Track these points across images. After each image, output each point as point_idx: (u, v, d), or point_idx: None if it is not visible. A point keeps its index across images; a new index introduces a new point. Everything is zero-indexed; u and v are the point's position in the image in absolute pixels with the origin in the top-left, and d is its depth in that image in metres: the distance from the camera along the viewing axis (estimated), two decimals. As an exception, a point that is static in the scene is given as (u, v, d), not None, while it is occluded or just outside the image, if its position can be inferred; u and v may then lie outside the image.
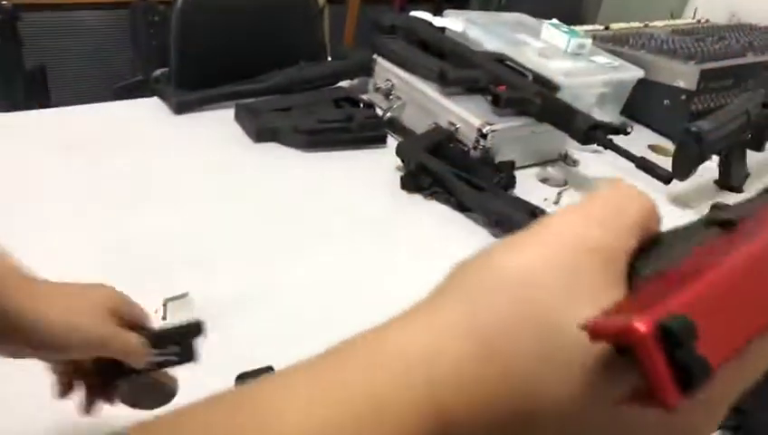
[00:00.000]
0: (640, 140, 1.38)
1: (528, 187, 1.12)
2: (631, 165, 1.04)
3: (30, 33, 2.22)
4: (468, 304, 0.23)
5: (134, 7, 2.35)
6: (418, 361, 0.23)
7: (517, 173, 1.12)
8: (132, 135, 1.09)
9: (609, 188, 0.26)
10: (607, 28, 1.72)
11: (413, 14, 1.42)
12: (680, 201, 1.17)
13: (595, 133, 1.05)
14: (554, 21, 1.47)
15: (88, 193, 0.92)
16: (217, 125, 1.15)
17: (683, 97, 1.37)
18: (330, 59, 1.54)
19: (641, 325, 0.18)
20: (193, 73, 1.48)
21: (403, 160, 1.07)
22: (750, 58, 1.49)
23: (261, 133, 1.10)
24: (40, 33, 2.29)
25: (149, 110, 1.17)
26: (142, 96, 1.20)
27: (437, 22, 1.39)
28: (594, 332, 0.20)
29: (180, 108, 1.14)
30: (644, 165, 1.00)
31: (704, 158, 1.08)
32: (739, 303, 0.21)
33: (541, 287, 0.22)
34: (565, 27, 1.44)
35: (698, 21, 1.96)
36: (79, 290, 0.48)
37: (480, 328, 0.23)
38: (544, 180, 1.17)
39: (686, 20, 1.99)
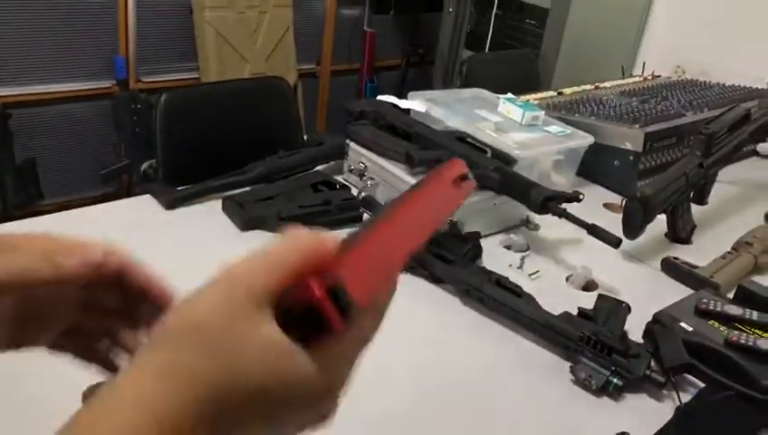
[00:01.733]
0: (595, 198, 1.50)
1: (494, 254, 1.23)
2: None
3: (19, 128, 2.33)
4: (170, 350, 0.33)
5: (117, 97, 2.48)
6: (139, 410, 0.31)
7: (484, 241, 1.22)
8: (129, 233, 1.19)
9: (279, 238, 0.35)
10: (560, 93, 1.86)
11: (380, 98, 1.54)
12: (634, 256, 1.29)
13: (550, 204, 1.17)
14: (509, 95, 1.60)
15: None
16: (207, 216, 1.25)
17: (631, 158, 1.50)
18: (308, 143, 1.66)
19: (316, 289, 0.32)
20: (179, 164, 1.59)
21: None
22: (689, 117, 1.63)
23: (247, 223, 1.21)
24: (29, 127, 2.40)
25: (143, 207, 1.27)
26: (128, 179, 1.30)
27: (403, 104, 1.52)
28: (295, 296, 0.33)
29: (171, 205, 1.24)
30: (594, 232, 1.11)
31: (649, 220, 1.19)
32: (378, 255, 0.35)
33: (209, 329, 0.33)
34: (520, 101, 1.57)
35: (645, 78, 2.11)
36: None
37: (180, 368, 0.32)
38: (508, 247, 1.28)
39: (634, 78, 2.14)
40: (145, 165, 1.65)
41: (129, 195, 2.27)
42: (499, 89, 1.66)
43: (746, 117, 1.36)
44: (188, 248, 1.15)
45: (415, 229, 0.38)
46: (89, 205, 1.27)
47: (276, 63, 2.59)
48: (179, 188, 1.28)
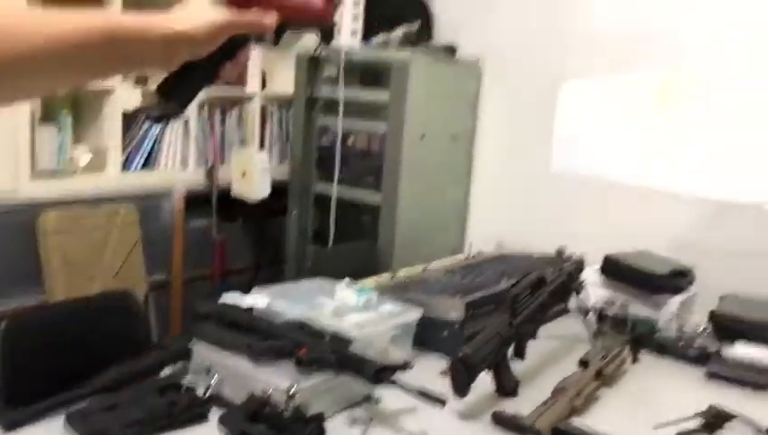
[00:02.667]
0: (432, 367, 1.63)
1: (339, 432, 1.30)
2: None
3: None
4: None
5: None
6: None
7: (329, 420, 1.30)
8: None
9: None
10: (394, 276, 2.05)
11: (223, 298, 1.64)
12: (468, 414, 1.40)
13: (382, 375, 1.28)
14: (346, 281, 1.76)
15: None
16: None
17: (456, 326, 1.66)
18: (154, 348, 1.69)
19: None
20: (23, 386, 1.56)
21: (226, 432, 1.22)
22: (503, 284, 1.85)
23: None
24: None
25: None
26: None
27: (245, 302, 1.62)
28: None
29: (11, 426, 1.22)
30: (421, 395, 1.22)
31: (472, 378, 1.33)
32: None
33: None
34: (356, 286, 1.73)
35: (468, 256, 2.37)
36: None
37: None
38: (353, 422, 1.36)
39: (460, 256, 2.39)
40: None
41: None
42: (345, 278, 1.81)
43: (542, 280, 1.58)
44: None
45: None
46: None
47: (125, 278, 2.64)
48: (22, 409, 1.27)
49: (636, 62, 2.76)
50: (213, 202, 3.08)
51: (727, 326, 1.81)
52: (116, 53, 0.75)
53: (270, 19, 0.86)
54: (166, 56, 0.80)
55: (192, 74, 0.85)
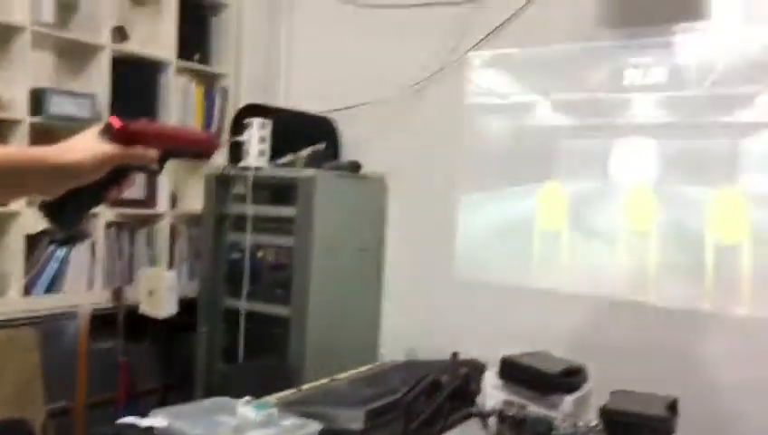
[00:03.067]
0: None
1: None
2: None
3: None
4: None
5: None
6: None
7: None
8: None
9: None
10: (299, 390, 2.07)
11: (120, 421, 1.62)
12: None
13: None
14: (247, 398, 1.77)
15: None
16: None
17: (358, 436, 1.69)
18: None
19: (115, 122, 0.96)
20: None
21: None
22: (403, 390, 1.90)
23: None
24: None
25: None
26: None
27: (144, 423, 1.61)
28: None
29: None
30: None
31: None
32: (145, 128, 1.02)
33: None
34: (257, 402, 1.74)
35: (375, 365, 2.41)
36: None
37: None
38: None
39: (368, 366, 2.43)
40: None
41: None
42: (254, 394, 1.82)
43: (437, 384, 1.65)
44: None
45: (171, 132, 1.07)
46: None
47: (23, 406, 2.53)
48: None
49: (522, 177, 2.99)
50: (119, 322, 3.03)
51: (617, 421, 1.90)
52: (11, 180, 0.88)
53: (152, 153, 0.99)
54: (56, 184, 0.93)
55: (78, 198, 0.96)
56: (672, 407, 1.96)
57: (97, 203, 0.99)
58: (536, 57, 2.99)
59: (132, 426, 1.60)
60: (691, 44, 2.65)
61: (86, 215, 1.01)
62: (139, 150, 0.97)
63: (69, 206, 0.95)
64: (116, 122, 0.95)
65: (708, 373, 2.55)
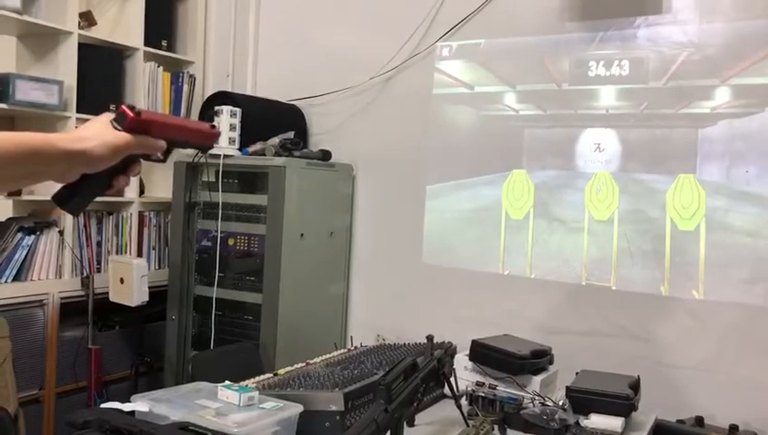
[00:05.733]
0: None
1: None
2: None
3: None
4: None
5: None
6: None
7: None
8: None
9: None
10: (275, 374, 2.10)
11: (103, 405, 1.64)
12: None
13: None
14: (227, 382, 1.80)
15: None
16: None
17: (337, 417, 1.74)
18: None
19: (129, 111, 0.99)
20: None
21: None
22: (380, 374, 1.95)
23: None
24: None
25: None
26: None
27: (126, 407, 1.63)
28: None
29: None
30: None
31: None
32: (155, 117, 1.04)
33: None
34: (236, 386, 1.78)
35: (349, 349, 2.46)
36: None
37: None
38: None
39: (341, 351, 2.48)
40: None
41: None
42: (227, 380, 1.85)
43: (415, 366, 1.70)
44: None
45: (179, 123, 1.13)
46: None
47: (-6, 395, 2.52)
48: None
49: (489, 165, 3.06)
50: (89, 311, 3.02)
51: (582, 399, 1.99)
52: (20, 167, 0.89)
53: (161, 143, 1.01)
54: (66, 170, 0.94)
55: (87, 185, 0.98)
56: (634, 386, 2.05)
57: (104, 190, 1.01)
58: (503, 48, 3.05)
59: (114, 411, 1.62)
60: (651, 38, 2.74)
61: (92, 201, 1.02)
62: (149, 140, 0.99)
63: (78, 192, 0.97)
64: (129, 112, 0.97)
65: (667, 354, 2.67)
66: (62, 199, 0.98)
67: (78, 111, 2.97)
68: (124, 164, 0.99)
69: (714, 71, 2.63)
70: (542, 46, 2.96)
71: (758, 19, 2.56)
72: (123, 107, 0.98)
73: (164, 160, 1.07)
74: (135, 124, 0.97)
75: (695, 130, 2.68)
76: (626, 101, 2.82)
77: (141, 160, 1.03)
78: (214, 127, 1.10)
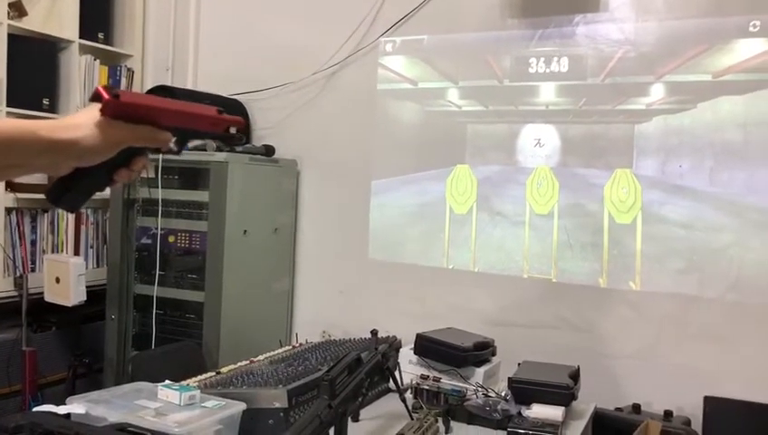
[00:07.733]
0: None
1: None
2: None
3: None
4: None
5: None
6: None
7: None
8: None
9: None
10: (218, 373, 2.07)
11: (36, 409, 1.59)
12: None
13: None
14: (167, 382, 1.77)
15: None
16: None
17: (281, 414, 1.72)
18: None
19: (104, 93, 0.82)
20: None
21: None
22: (324, 370, 1.94)
23: None
24: None
25: None
26: None
27: (61, 410, 1.58)
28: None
29: None
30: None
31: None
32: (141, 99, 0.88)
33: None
34: (176, 385, 1.74)
35: (294, 346, 2.44)
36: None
37: None
38: None
39: (286, 347, 2.46)
40: None
41: None
42: (168, 380, 1.81)
43: (358, 361, 1.70)
44: None
45: (177, 107, 0.89)
46: None
47: None
48: None
49: (433, 160, 3.08)
50: (23, 312, 2.92)
51: (524, 390, 2.02)
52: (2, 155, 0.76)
53: (164, 136, 0.88)
54: (52, 164, 0.81)
55: (83, 179, 0.86)
56: (574, 376, 2.10)
57: (103, 186, 0.89)
58: (446, 44, 3.07)
59: (48, 414, 1.57)
60: (590, 35, 2.80)
61: (90, 197, 0.89)
62: (146, 131, 0.85)
63: (72, 186, 0.85)
64: (105, 93, 0.81)
65: (606, 343, 2.74)
66: (55, 195, 0.86)
67: (8, 106, 2.86)
68: (126, 157, 0.87)
69: (649, 68, 2.71)
70: (484, 43, 2.99)
71: (690, 18, 2.64)
72: (98, 87, 0.82)
73: (178, 152, 0.93)
74: (116, 108, 0.82)
75: (631, 125, 2.75)
76: (565, 97, 2.87)
77: (151, 153, 0.90)
78: (221, 112, 0.92)
